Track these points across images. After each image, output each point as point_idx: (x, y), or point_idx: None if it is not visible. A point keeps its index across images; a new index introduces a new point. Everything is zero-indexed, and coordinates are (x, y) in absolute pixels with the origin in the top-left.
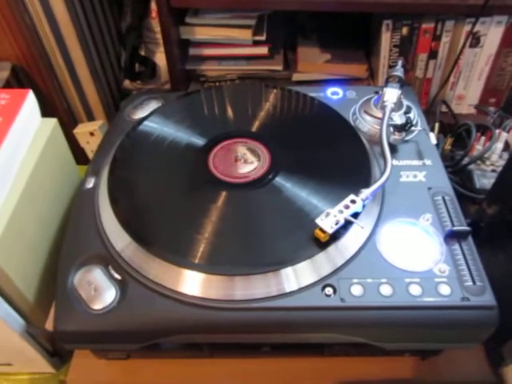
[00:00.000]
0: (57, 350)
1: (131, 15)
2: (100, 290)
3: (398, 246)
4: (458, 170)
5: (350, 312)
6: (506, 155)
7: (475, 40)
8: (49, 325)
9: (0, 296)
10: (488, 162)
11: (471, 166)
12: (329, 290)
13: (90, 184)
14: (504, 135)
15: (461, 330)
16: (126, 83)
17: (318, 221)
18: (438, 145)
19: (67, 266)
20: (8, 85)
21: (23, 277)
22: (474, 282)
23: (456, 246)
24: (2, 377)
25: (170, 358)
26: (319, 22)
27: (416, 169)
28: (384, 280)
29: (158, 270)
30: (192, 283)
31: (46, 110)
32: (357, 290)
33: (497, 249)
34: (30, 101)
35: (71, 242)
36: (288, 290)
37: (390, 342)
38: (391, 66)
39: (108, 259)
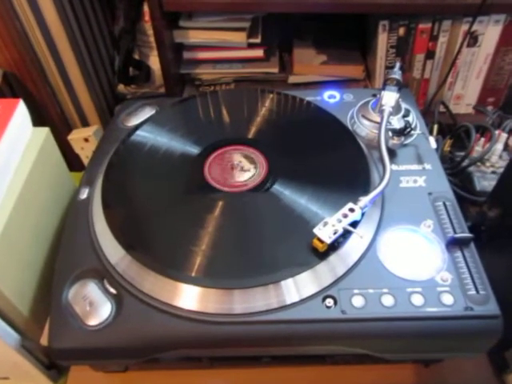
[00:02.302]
0: (53, 362)
1: (124, 19)
2: (95, 305)
3: (399, 254)
4: (458, 172)
5: (351, 324)
6: (506, 156)
7: (473, 39)
8: (44, 340)
9: None
10: (488, 164)
11: (471, 168)
12: (329, 302)
13: (84, 195)
14: (504, 136)
15: (464, 339)
16: (120, 87)
17: (316, 230)
18: (437, 148)
19: (61, 281)
20: (0, 92)
21: (17, 290)
22: (477, 291)
23: (458, 254)
24: None
25: (169, 369)
26: (315, 23)
27: (416, 173)
28: (385, 290)
29: (153, 284)
30: (189, 297)
31: (40, 117)
32: (358, 301)
33: (498, 252)
34: (21, 110)
35: (65, 255)
36: (289, 301)
37: (392, 353)
38: (388, 67)
39: (103, 273)
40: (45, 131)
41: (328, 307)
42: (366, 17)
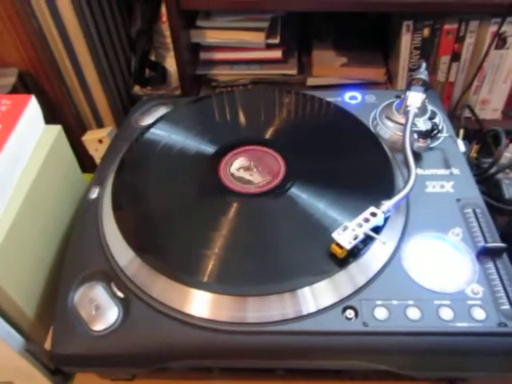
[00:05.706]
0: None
1: (141, 19)
2: (102, 310)
3: (426, 263)
4: (485, 179)
5: (373, 338)
6: None
7: (501, 41)
8: (48, 344)
9: None
10: None
11: (499, 175)
12: (350, 313)
13: (95, 194)
14: None
15: (497, 358)
16: (136, 89)
17: (335, 235)
18: (465, 152)
19: (68, 283)
20: (15, 91)
21: (23, 293)
22: (511, 305)
23: (490, 265)
24: None
25: (178, 378)
26: (335, 23)
27: (443, 178)
28: (411, 302)
29: (163, 289)
30: (200, 304)
31: (54, 117)
32: (381, 312)
33: None
34: (33, 107)
35: (73, 256)
36: (305, 312)
37: (417, 371)
38: (411, 70)
39: (111, 276)
40: (57, 129)
41: (348, 319)
42: (388, 17)
